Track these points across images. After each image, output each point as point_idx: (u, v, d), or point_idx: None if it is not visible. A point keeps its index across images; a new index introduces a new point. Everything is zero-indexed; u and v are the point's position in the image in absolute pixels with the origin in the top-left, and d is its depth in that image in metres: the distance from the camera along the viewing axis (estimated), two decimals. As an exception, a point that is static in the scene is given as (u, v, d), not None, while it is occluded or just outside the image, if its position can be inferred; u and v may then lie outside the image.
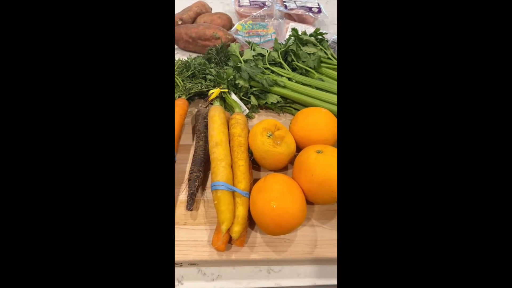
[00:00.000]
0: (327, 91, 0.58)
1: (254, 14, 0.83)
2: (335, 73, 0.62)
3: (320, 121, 0.49)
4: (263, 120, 0.48)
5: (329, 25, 0.93)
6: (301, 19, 0.86)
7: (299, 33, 0.67)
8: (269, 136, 0.45)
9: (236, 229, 0.40)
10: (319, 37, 0.67)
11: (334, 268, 0.44)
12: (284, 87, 0.59)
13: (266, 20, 0.83)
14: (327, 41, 0.68)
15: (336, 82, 0.61)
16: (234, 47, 0.62)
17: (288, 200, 0.39)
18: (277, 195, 0.39)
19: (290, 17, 0.87)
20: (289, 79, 0.61)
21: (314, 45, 0.66)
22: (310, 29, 0.81)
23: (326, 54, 0.66)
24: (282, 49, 0.63)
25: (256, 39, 0.78)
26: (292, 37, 0.66)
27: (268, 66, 0.62)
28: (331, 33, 0.80)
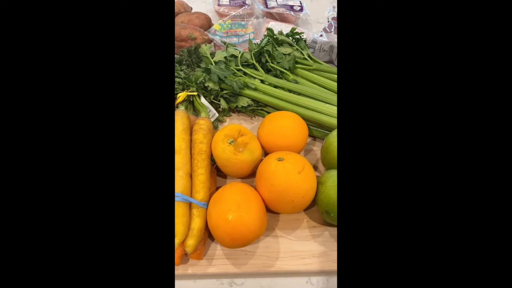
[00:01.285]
0: (300, 93, 0.56)
1: (234, 13, 0.80)
2: (310, 74, 0.60)
3: (286, 126, 0.46)
4: (227, 126, 0.46)
5: (312, 23, 0.90)
6: (282, 18, 0.84)
7: (276, 32, 0.64)
8: (230, 143, 0.43)
9: (190, 242, 0.38)
10: (296, 36, 0.65)
11: (297, 280, 0.42)
12: (255, 89, 0.57)
13: (245, 20, 0.81)
14: (305, 40, 0.66)
15: (311, 84, 0.59)
16: (204, 49, 0.60)
17: (244, 212, 0.37)
18: (232, 207, 0.37)
19: (271, 16, 0.85)
20: (262, 81, 0.59)
21: (290, 45, 0.64)
22: (290, 29, 0.79)
23: (302, 54, 0.63)
24: (256, 50, 0.61)
25: (234, 39, 0.76)
26: (268, 37, 0.64)
27: (240, 67, 0.59)
28: (313, 32, 0.78)
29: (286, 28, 0.79)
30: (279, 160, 0.40)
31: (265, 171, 0.40)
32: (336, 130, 0.47)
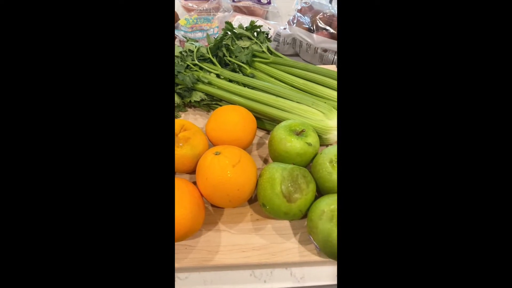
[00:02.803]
0: (254, 87, 0.56)
1: (199, 8, 0.80)
2: (268, 68, 0.60)
3: (231, 120, 0.46)
4: (171, 121, 0.46)
5: (283, 16, 0.89)
6: (250, 12, 0.83)
7: (244, 26, 0.64)
8: (170, 138, 0.43)
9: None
10: (257, 30, 0.64)
11: (241, 273, 0.42)
12: (209, 84, 0.56)
13: (212, 14, 0.80)
14: (267, 34, 0.65)
15: (268, 78, 0.59)
16: (159, 44, 0.60)
17: (176, 207, 0.37)
18: (163, 202, 0.36)
19: (240, 10, 0.84)
20: (218, 75, 0.58)
21: (250, 38, 0.64)
22: (258, 22, 0.78)
23: (261, 47, 0.63)
24: (212, 44, 0.61)
25: (199, 34, 0.76)
26: (227, 31, 0.63)
27: (196, 62, 0.59)
28: (279, 25, 0.77)
29: (257, 21, 0.78)
30: (216, 154, 0.40)
31: (201, 165, 0.40)
32: (283, 122, 0.46)
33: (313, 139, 0.44)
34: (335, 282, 0.43)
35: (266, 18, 0.88)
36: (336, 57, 0.67)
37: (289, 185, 0.38)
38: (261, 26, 0.64)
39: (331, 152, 0.42)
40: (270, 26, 0.78)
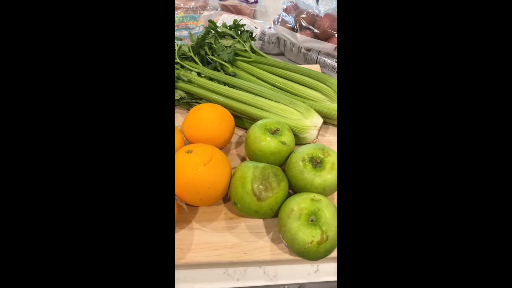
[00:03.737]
0: (234, 86, 0.56)
1: (186, 6, 0.80)
2: (249, 67, 0.60)
3: (207, 118, 0.46)
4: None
5: (271, 15, 0.89)
6: (238, 10, 0.83)
7: (219, 25, 0.64)
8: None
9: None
10: (240, 28, 0.64)
11: (214, 271, 0.42)
12: (188, 82, 0.56)
13: (198, 12, 0.80)
14: (250, 33, 0.65)
15: (249, 77, 0.59)
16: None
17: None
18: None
19: (227, 8, 0.84)
20: (199, 74, 0.58)
21: (233, 37, 0.64)
22: (244, 21, 0.78)
23: (244, 46, 0.63)
24: (194, 43, 0.61)
25: (185, 32, 0.76)
26: (211, 30, 0.63)
27: (178, 60, 0.59)
28: (266, 24, 0.77)
29: (241, 20, 0.78)
30: (188, 153, 0.40)
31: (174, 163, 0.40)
32: (259, 121, 0.46)
33: (287, 138, 0.44)
34: (308, 280, 0.43)
35: (254, 17, 0.88)
36: (319, 56, 0.67)
37: (260, 183, 0.38)
38: (245, 25, 0.64)
39: (305, 151, 0.42)
40: (256, 25, 0.78)
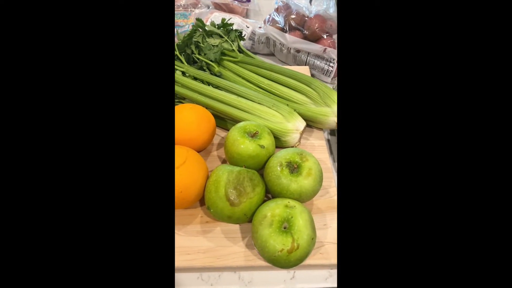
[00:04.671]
0: (218, 86, 0.55)
1: (177, 3, 0.79)
2: (235, 67, 0.59)
3: (185, 119, 0.45)
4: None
5: (264, 15, 0.88)
6: (230, 9, 0.82)
7: (207, 23, 0.63)
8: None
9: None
10: (228, 27, 0.63)
11: (188, 276, 0.42)
12: (172, 82, 0.55)
13: (189, 10, 0.79)
14: (239, 32, 0.64)
15: (235, 77, 0.58)
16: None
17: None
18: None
19: (220, 7, 0.83)
20: (183, 73, 0.57)
21: (221, 36, 0.63)
22: (235, 19, 0.77)
23: (232, 46, 0.62)
24: (180, 41, 0.60)
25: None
26: (198, 28, 0.63)
27: (163, 59, 0.58)
28: (258, 23, 0.76)
29: (232, 19, 0.77)
30: (162, 154, 0.39)
31: (147, 165, 0.39)
32: (239, 123, 0.45)
33: (267, 141, 0.43)
34: (283, 286, 0.42)
35: (247, 16, 0.87)
36: (309, 57, 0.66)
37: (233, 188, 0.37)
38: (233, 24, 0.63)
39: (283, 155, 0.41)
40: (248, 25, 0.77)
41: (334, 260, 0.40)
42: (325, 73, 0.66)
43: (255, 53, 0.76)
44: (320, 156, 0.51)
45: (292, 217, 0.35)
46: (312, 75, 0.69)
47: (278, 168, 0.40)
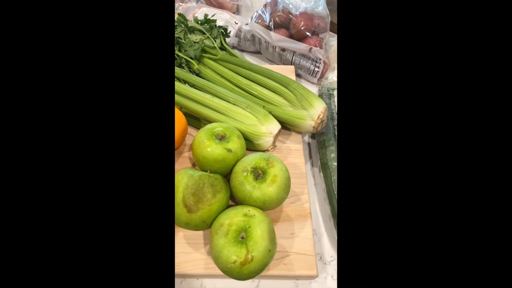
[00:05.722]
0: (194, 85, 0.53)
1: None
2: (215, 64, 0.57)
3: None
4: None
5: (256, 11, 0.86)
6: (219, 5, 0.80)
7: (189, 19, 0.61)
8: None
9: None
10: (211, 24, 0.61)
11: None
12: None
13: (177, 4, 0.77)
14: (224, 29, 0.62)
15: (213, 76, 0.56)
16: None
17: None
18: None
19: (210, 2, 0.81)
20: (161, 70, 0.56)
21: (203, 33, 0.61)
22: (223, 15, 0.75)
23: (214, 43, 0.60)
24: (159, 37, 0.58)
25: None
26: (181, 24, 0.61)
27: (141, 55, 0.56)
28: (246, 20, 0.74)
29: (220, 15, 0.75)
30: (121, 156, 0.38)
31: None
32: (208, 125, 0.44)
33: (235, 145, 0.42)
34: (246, 297, 0.40)
35: (238, 12, 0.85)
36: (294, 56, 0.64)
37: (191, 194, 0.36)
38: (215, 20, 0.61)
39: (249, 160, 0.39)
40: (237, 21, 0.75)
41: (298, 271, 0.39)
42: (311, 73, 0.64)
43: (242, 51, 0.74)
44: (295, 161, 0.49)
45: (249, 227, 0.34)
46: (298, 75, 0.67)
47: (244, 174, 0.38)
